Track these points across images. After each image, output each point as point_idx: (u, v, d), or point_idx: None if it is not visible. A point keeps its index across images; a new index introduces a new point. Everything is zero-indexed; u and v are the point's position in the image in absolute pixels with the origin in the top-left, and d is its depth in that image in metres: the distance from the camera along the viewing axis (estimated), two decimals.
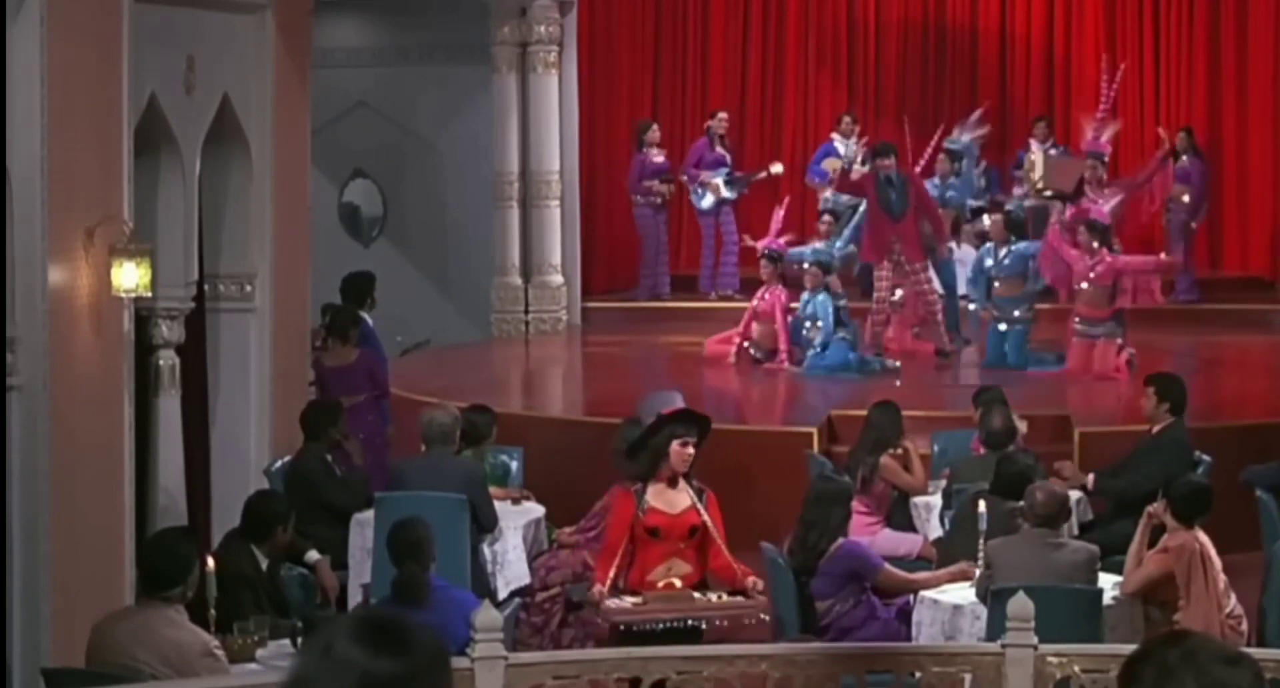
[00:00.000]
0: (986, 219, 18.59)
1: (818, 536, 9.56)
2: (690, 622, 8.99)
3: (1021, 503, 9.42)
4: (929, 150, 18.19)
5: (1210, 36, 20.33)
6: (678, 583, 9.09)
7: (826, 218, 16.97)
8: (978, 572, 9.32)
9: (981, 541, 9.44)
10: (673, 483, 9.17)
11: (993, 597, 8.69)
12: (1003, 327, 16.04)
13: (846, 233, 16.76)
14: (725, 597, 9.15)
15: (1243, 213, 20.24)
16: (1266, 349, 17.74)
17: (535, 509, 11.31)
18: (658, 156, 19.31)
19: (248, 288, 12.10)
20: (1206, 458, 11.37)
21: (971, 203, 18.70)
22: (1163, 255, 17.55)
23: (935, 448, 12.30)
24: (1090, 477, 11.46)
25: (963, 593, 9.35)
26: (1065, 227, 16.35)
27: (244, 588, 8.78)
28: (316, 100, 13.55)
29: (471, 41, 19.47)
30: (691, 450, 9.19)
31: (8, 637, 8.95)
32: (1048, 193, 18.40)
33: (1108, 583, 9.39)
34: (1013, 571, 8.93)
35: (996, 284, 16.15)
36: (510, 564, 10.81)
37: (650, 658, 7.58)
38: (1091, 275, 15.50)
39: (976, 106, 20.49)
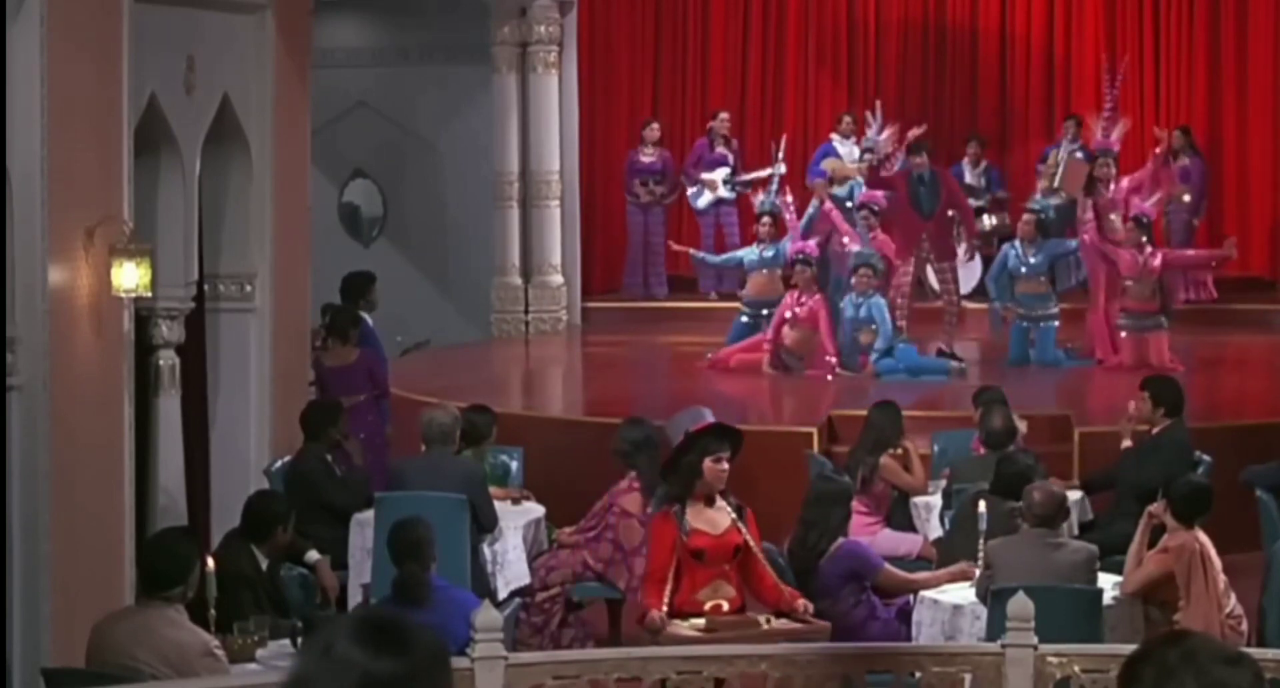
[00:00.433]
0: (987, 219, 18.64)
1: (818, 536, 9.56)
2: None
3: (1020, 503, 9.42)
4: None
5: (1210, 36, 20.33)
6: (724, 606, 8.83)
7: (765, 219, 16.66)
8: (978, 572, 9.32)
9: (981, 541, 9.44)
10: (710, 502, 8.91)
11: (993, 597, 8.69)
12: (1026, 324, 16.13)
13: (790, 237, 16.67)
14: (776, 620, 8.87)
15: (1243, 213, 20.24)
16: (1266, 349, 17.74)
17: (535, 509, 11.32)
18: (647, 157, 19.32)
19: (248, 288, 12.10)
20: (1206, 458, 11.37)
21: (972, 202, 18.68)
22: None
23: (935, 448, 12.30)
24: (1125, 442, 11.53)
25: (963, 593, 9.34)
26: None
27: (244, 588, 8.78)
28: (316, 100, 13.55)
29: (471, 41, 19.48)
30: (726, 467, 8.95)
31: (8, 637, 8.95)
32: (1062, 194, 18.44)
33: (1108, 583, 9.39)
34: (1012, 571, 8.93)
35: (1021, 282, 16.16)
36: (510, 564, 10.81)
37: (650, 658, 7.58)
38: (1145, 270, 15.77)
39: (976, 106, 20.51)
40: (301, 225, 12.70)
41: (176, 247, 11.13)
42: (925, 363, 15.82)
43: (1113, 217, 16.30)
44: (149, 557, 7.98)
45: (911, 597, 9.59)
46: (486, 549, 10.75)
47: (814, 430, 13.45)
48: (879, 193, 16.44)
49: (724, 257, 17.21)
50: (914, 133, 16.82)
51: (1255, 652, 7.70)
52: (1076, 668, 7.48)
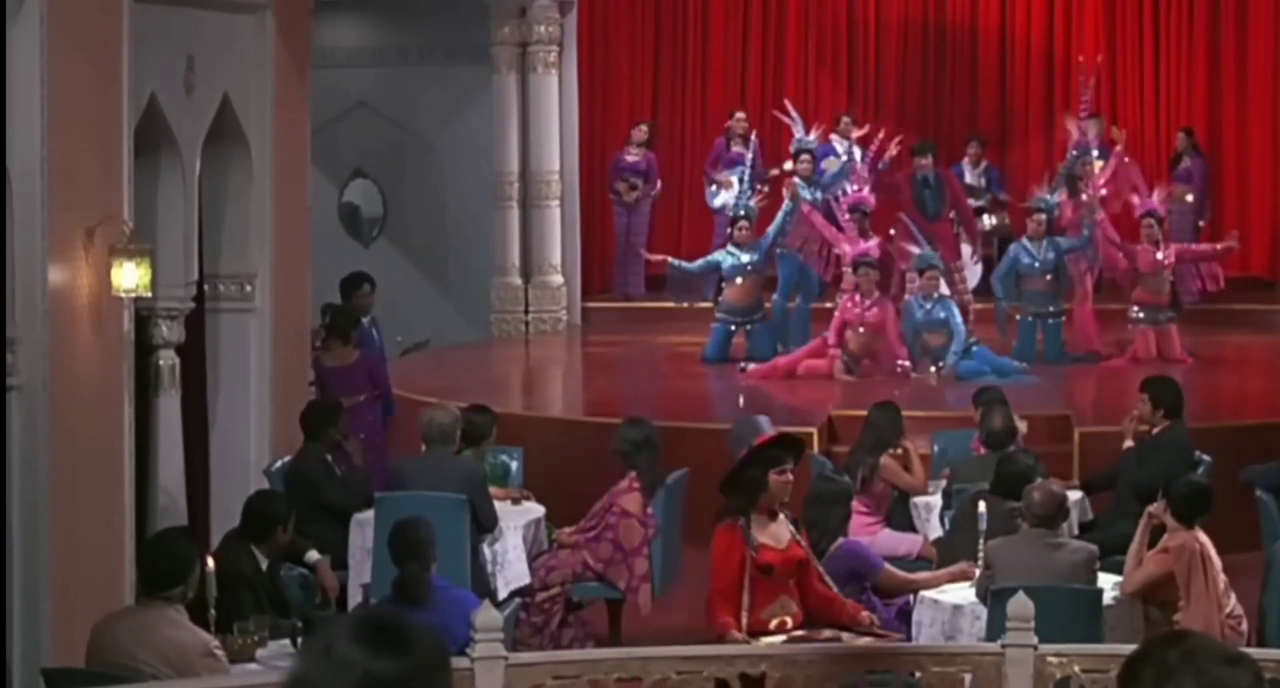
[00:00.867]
0: (987, 219, 18.65)
1: (818, 535, 9.56)
2: None
3: (1020, 503, 9.42)
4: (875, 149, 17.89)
5: (1210, 36, 20.33)
6: (789, 622, 8.64)
7: (744, 223, 16.48)
8: (978, 572, 9.32)
9: (981, 541, 9.44)
10: (772, 515, 8.70)
11: (993, 597, 8.69)
12: (1034, 321, 16.17)
13: (769, 237, 16.63)
14: (853, 637, 8.65)
15: (1243, 213, 20.23)
16: (1266, 349, 17.75)
17: (535, 509, 11.31)
18: (631, 156, 19.32)
19: (248, 288, 12.10)
20: (1206, 458, 11.38)
21: (972, 202, 18.67)
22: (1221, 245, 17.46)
23: (935, 448, 12.30)
24: (1127, 442, 11.51)
25: (963, 593, 9.34)
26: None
27: (244, 588, 8.78)
28: (316, 100, 13.55)
29: (471, 41, 19.48)
30: (790, 478, 8.78)
31: (8, 637, 8.95)
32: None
33: (1108, 583, 9.40)
34: (1012, 571, 8.93)
35: (1030, 281, 16.19)
36: (510, 564, 10.80)
37: (650, 658, 7.58)
38: (1161, 265, 16.06)
39: (976, 106, 20.52)
40: (301, 225, 12.70)
41: (176, 247, 11.13)
42: (1004, 363, 15.75)
43: (1099, 215, 16.43)
44: (149, 557, 7.98)
45: (911, 597, 9.59)
46: (486, 549, 10.75)
47: (814, 430, 13.45)
48: (867, 194, 16.44)
49: (701, 262, 16.67)
50: (893, 148, 16.81)
51: (1255, 652, 7.70)
52: (1076, 668, 7.48)
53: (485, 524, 10.69)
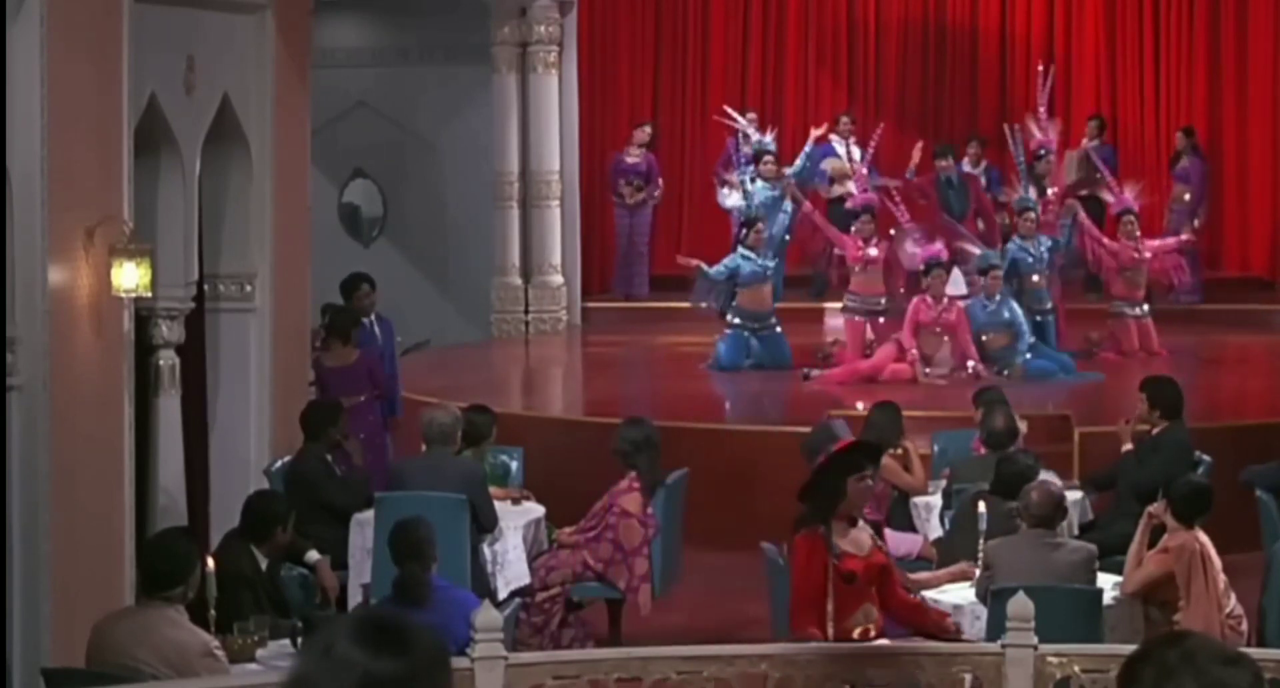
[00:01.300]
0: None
1: None
2: None
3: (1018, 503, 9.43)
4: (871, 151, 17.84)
5: (1210, 36, 20.33)
6: (871, 631, 8.39)
7: (760, 226, 16.36)
8: (978, 572, 9.32)
9: (981, 541, 9.44)
10: (852, 522, 8.48)
11: (992, 597, 8.69)
12: (1039, 319, 16.24)
13: (775, 240, 16.58)
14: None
15: (1243, 213, 20.25)
16: (1266, 349, 17.75)
17: (535, 509, 11.31)
18: (631, 158, 19.32)
19: (248, 288, 12.10)
20: (1206, 458, 11.37)
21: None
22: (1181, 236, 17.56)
23: (935, 448, 12.30)
24: (1126, 445, 11.52)
25: (963, 593, 9.35)
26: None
27: (244, 588, 8.78)
28: (316, 100, 13.55)
29: (471, 41, 19.48)
30: (870, 484, 8.61)
31: (8, 637, 8.95)
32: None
33: (1108, 583, 9.40)
34: (1011, 571, 8.93)
35: (1029, 278, 16.27)
36: (510, 564, 10.80)
37: (650, 658, 7.58)
38: (1139, 260, 16.28)
39: (977, 106, 20.52)
40: (301, 225, 12.69)
41: (176, 247, 11.13)
42: (1068, 361, 15.77)
43: (1081, 214, 16.59)
44: (149, 557, 7.98)
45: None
46: (486, 549, 10.75)
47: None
48: (871, 195, 16.42)
49: (720, 267, 16.40)
50: (916, 154, 16.79)
51: (1255, 652, 7.71)
52: (1076, 668, 7.48)
53: (485, 524, 10.69)
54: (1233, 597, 9.40)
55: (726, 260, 16.30)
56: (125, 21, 10.05)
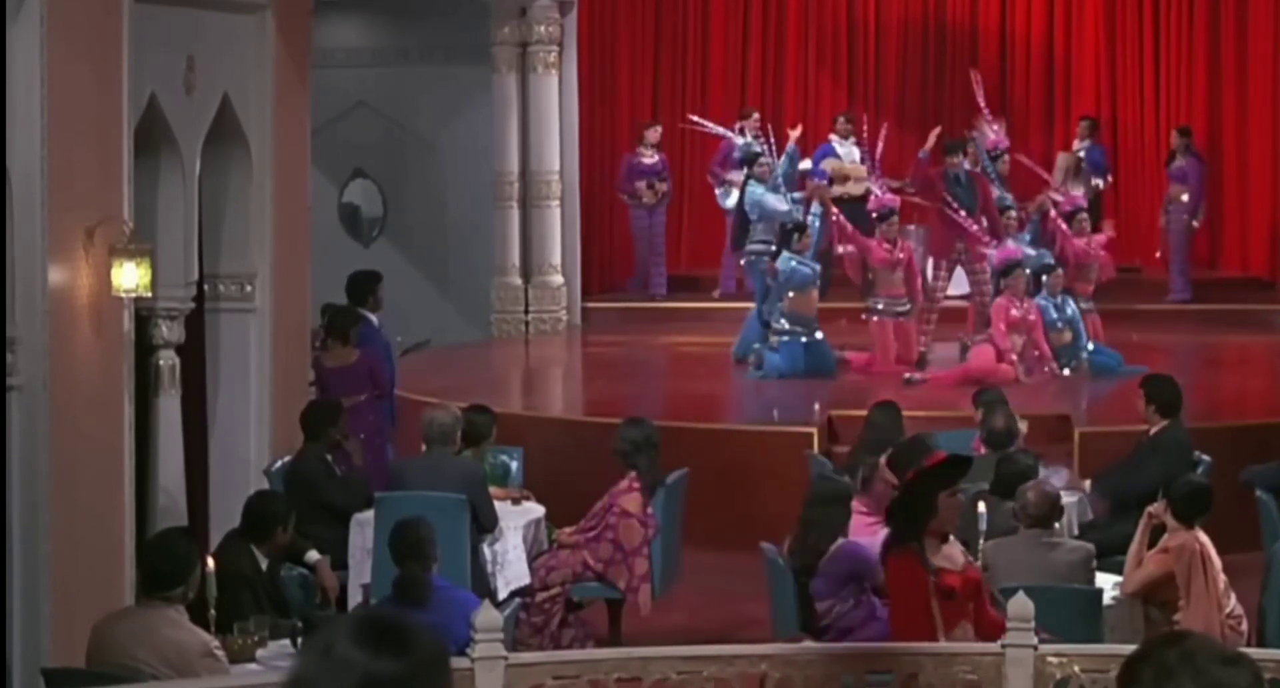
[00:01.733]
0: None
1: (818, 536, 9.55)
2: None
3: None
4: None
5: (1210, 36, 20.33)
6: None
7: (810, 231, 16.28)
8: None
9: (981, 541, 9.43)
10: (944, 538, 8.33)
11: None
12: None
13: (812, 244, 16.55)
14: None
15: (1242, 213, 20.24)
16: (1266, 349, 17.75)
17: (535, 509, 11.31)
18: (648, 158, 19.32)
19: (248, 288, 12.10)
20: (1206, 458, 11.37)
21: None
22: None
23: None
24: (1087, 481, 11.50)
25: None
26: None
27: (244, 588, 8.78)
28: (316, 100, 13.55)
29: (471, 41, 19.48)
30: (962, 498, 8.48)
31: (8, 637, 8.95)
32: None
33: (1108, 583, 9.39)
34: (1009, 571, 8.93)
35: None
36: (510, 564, 10.81)
37: (650, 658, 7.58)
38: (1093, 256, 16.39)
39: (977, 107, 20.51)
40: (301, 225, 12.69)
41: (176, 247, 11.13)
42: (1119, 356, 15.85)
43: (1051, 211, 16.65)
44: (149, 557, 7.98)
45: None
46: (486, 549, 10.76)
47: (814, 430, 13.46)
48: (894, 197, 16.38)
49: (782, 273, 15.89)
50: (932, 138, 16.77)
51: (1255, 652, 7.71)
52: (1076, 668, 7.48)
53: (485, 524, 10.69)
54: (1233, 597, 9.39)
55: (780, 263, 15.86)
56: (125, 21, 10.05)
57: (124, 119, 10.11)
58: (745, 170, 16.86)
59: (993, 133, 17.44)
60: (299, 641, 8.18)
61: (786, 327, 15.80)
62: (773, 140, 18.71)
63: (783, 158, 17.31)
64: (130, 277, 9.80)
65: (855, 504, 10.23)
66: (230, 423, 12.07)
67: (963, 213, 15.98)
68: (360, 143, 20.23)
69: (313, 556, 10.26)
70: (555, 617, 10.82)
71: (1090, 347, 15.73)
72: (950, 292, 16.59)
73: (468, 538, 10.46)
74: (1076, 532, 10.63)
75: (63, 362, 9.45)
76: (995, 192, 16.70)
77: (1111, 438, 12.20)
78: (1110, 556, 9.88)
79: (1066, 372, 15.47)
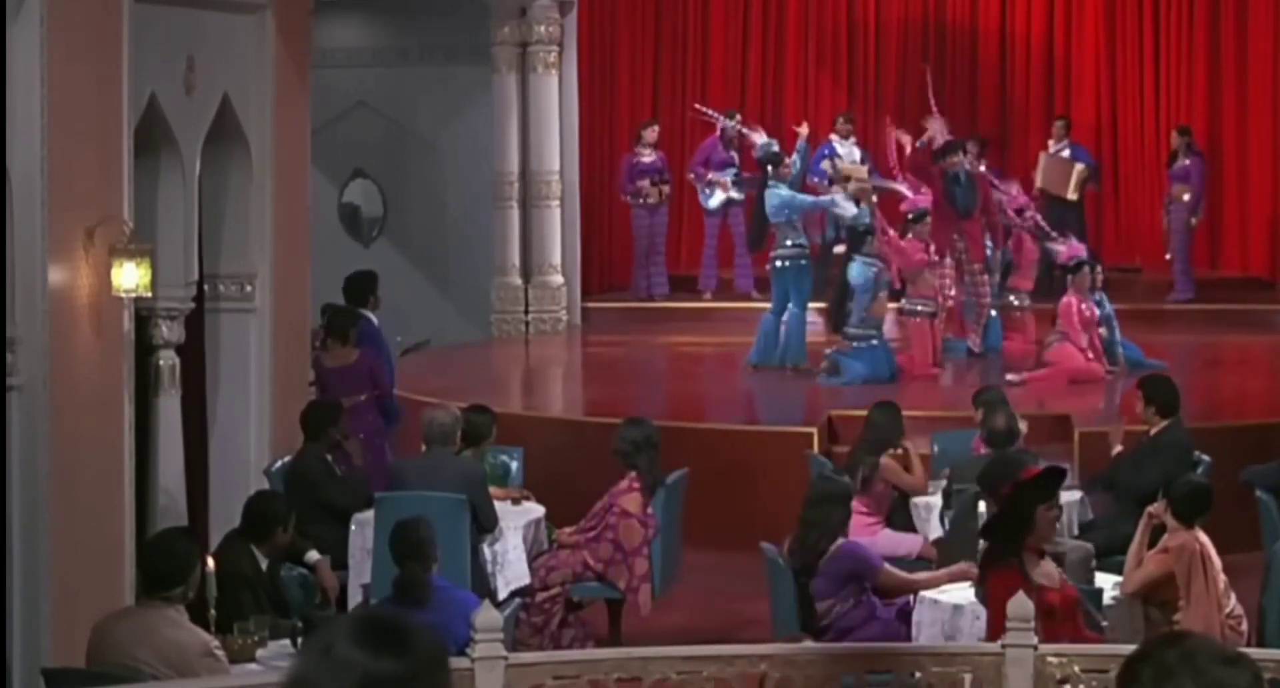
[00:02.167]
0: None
1: (818, 535, 9.55)
2: None
3: None
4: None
5: (1210, 36, 20.33)
6: None
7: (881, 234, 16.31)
8: (978, 572, 9.31)
9: (981, 541, 9.42)
10: (1040, 553, 8.28)
11: None
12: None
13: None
14: None
15: (1242, 213, 20.24)
16: (1266, 349, 17.75)
17: (535, 509, 11.31)
18: (648, 157, 19.31)
19: (248, 288, 12.10)
20: (1206, 458, 11.37)
21: None
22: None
23: (935, 448, 12.30)
24: (1116, 447, 11.50)
25: (963, 593, 9.33)
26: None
27: (244, 588, 8.78)
28: (316, 100, 13.55)
29: (471, 41, 19.48)
30: (1059, 514, 8.39)
31: (8, 637, 8.95)
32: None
33: (1108, 583, 9.39)
34: None
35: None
36: (510, 564, 10.80)
37: (650, 658, 7.58)
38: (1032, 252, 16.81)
39: (977, 106, 20.54)
40: (301, 225, 12.69)
41: (176, 247, 11.13)
42: (1139, 348, 15.95)
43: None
44: (149, 557, 7.98)
45: (911, 597, 9.59)
46: (486, 549, 10.75)
47: (814, 430, 13.46)
48: (921, 197, 16.35)
49: (862, 278, 15.61)
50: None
51: (1255, 652, 7.71)
52: (1076, 668, 7.48)
53: (485, 524, 10.69)
54: (1233, 597, 9.39)
55: (857, 269, 15.62)
56: (125, 21, 10.05)
57: (124, 119, 10.11)
58: (768, 171, 16.44)
59: (941, 133, 17.22)
60: (299, 641, 8.18)
61: (864, 332, 15.58)
62: (736, 142, 18.76)
63: (794, 156, 17.28)
64: (130, 277, 9.80)
65: (855, 504, 10.24)
66: (230, 423, 12.07)
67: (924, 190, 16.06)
68: (360, 143, 20.24)
69: (313, 556, 10.26)
70: (555, 617, 10.82)
71: (1120, 347, 15.78)
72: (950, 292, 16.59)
73: (468, 538, 10.46)
74: (1076, 532, 10.63)
75: (63, 362, 9.45)
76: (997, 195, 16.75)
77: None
78: (1110, 556, 9.88)
79: (1117, 366, 15.55)
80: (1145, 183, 20.57)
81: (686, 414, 14.36)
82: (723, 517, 12.77)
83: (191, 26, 11.30)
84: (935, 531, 11.21)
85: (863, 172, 17.92)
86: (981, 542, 8.64)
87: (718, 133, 19.14)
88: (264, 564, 9.17)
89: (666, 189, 19.37)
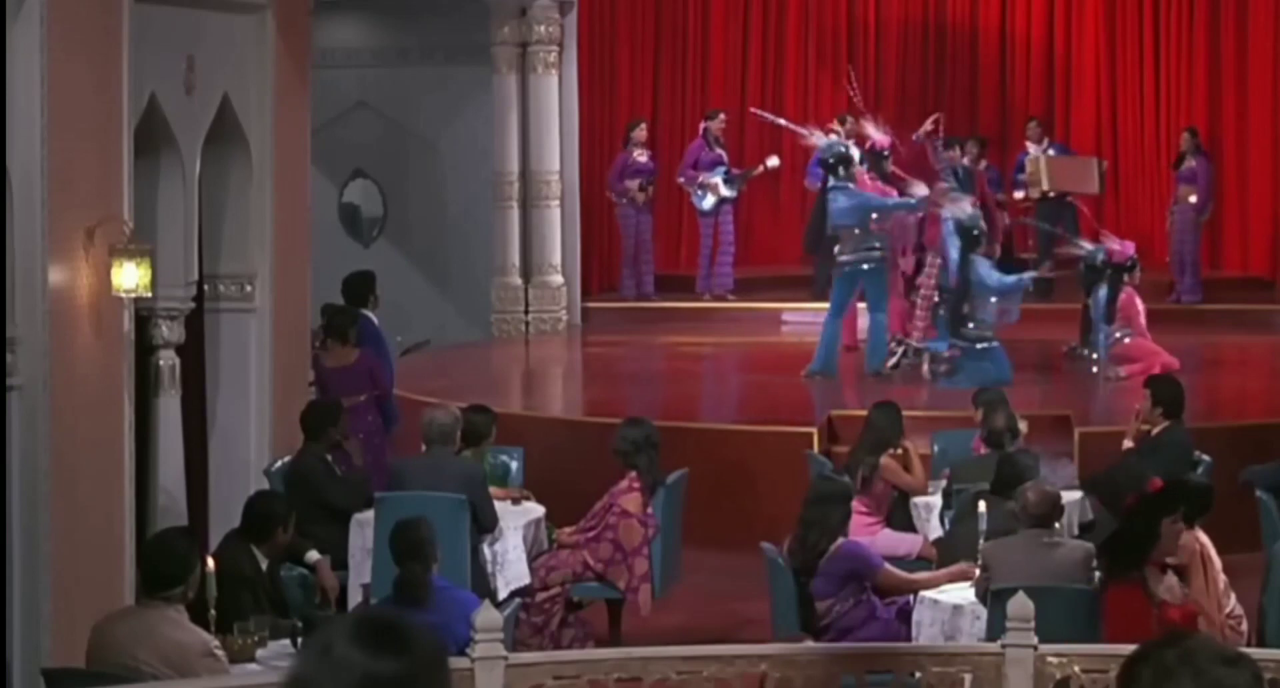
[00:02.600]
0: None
1: (818, 535, 9.56)
2: None
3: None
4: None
5: (1210, 36, 20.33)
6: None
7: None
8: (978, 572, 9.31)
9: (981, 541, 9.43)
10: (1163, 568, 8.23)
11: (992, 597, 8.69)
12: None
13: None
14: None
15: (1243, 213, 20.25)
16: (1266, 349, 17.75)
17: (535, 509, 11.31)
18: (640, 156, 19.31)
19: (248, 288, 12.10)
20: (1206, 458, 11.37)
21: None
22: None
23: (935, 448, 12.30)
24: (1127, 442, 11.52)
25: (963, 593, 9.34)
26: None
27: (244, 588, 8.78)
28: (316, 100, 13.55)
29: (471, 41, 19.48)
30: (1182, 527, 8.33)
31: (8, 637, 8.95)
32: (1051, 194, 18.63)
33: None
34: (1009, 571, 8.92)
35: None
36: (510, 564, 10.80)
37: (650, 658, 7.58)
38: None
39: (977, 106, 20.55)
40: (301, 225, 12.70)
41: (176, 247, 11.13)
42: None
43: None
44: (149, 557, 7.98)
45: (911, 597, 9.59)
46: (486, 549, 10.75)
47: (814, 430, 13.45)
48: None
49: (1007, 282, 15.29)
50: (928, 124, 16.73)
51: (1255, 652, 7.70)
52: (1076, 668, 7.48)
53: (485, 524, 10.69)
54: (1233, 597, 9.39)
55: (983, 270, 15.28)
56: (125, 21, 10.05)
57: (124, 119, 10.11)
58: (838, 172, 15.80)
59: (879, 133, 16.94)
60: (299, 641, 8.18)
61: (983, 333, 15.26)
62: (722, 141, 18.78)
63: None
64: (130, 277, 9.80)
65: (855, 504, 10.24)
66: (230, 423, 12.07)
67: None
68: (360, 143, 20.23)
69: (313, 556, 10.26)
70: (555, 617, 10.82)
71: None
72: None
73: (468, 538, 10.46)
74: (1076, 532, 10.63)
75: (63, 362, 9.45)
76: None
77: (1111, 438, 12.18)
78: None
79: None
80: (1145, 183, 20.57)
81: (686, 414, 14.36)
82: (723, 517, 12.76)
83: (191, 26, 11.30)
84: (935, 530, 11.21)
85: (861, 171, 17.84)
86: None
87: (700, 133, 19.19)
88: (264, 564, 9.17)
89: (651, 190, 19.36)
